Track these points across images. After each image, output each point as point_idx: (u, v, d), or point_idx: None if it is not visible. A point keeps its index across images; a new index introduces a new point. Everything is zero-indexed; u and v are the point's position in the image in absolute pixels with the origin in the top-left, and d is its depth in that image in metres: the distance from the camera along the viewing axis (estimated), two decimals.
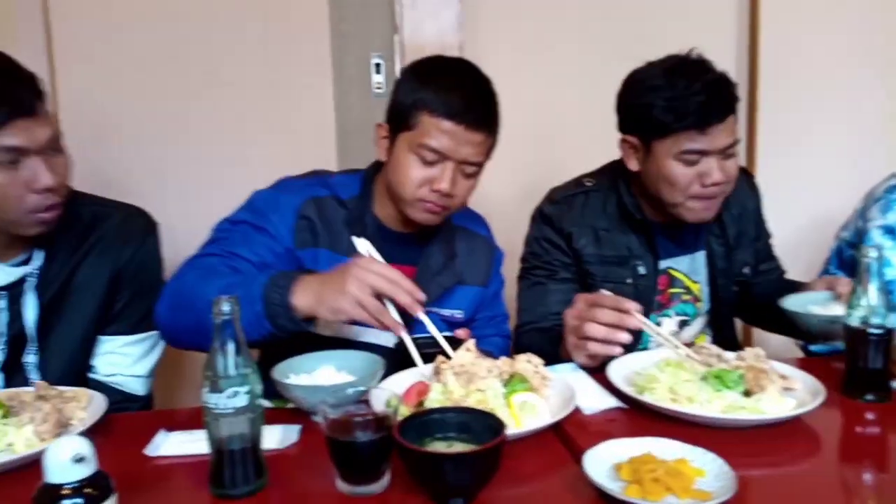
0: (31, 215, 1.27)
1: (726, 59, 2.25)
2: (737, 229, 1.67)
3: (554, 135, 1.93)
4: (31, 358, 1.37)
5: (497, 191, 2.12)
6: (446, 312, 1.48)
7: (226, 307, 0.92)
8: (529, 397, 1.11)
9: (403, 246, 1.45)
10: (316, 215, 1.38)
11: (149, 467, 1.02)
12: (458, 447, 0.93)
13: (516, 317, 1.66)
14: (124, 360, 1.43)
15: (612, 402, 1.19)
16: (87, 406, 1.17)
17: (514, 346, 1.59)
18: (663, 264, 1.61)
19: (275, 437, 1.08)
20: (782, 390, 1.15)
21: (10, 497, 0.95)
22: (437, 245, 1.49)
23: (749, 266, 1.70)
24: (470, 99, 1.34)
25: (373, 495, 0.93)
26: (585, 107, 1.83)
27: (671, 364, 1.20)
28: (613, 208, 1.60)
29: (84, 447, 0.76)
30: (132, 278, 1.42)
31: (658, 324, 1.57)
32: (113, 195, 1.50)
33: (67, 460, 0.75)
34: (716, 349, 1.24)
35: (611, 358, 1.25)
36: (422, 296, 1.21)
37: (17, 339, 1.36)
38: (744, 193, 1.68)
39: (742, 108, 2.25)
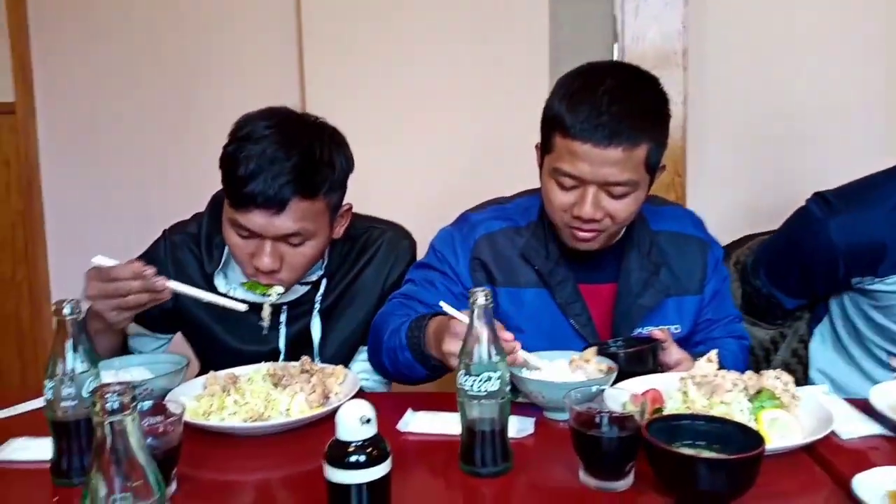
0: (252, 278, 1.38)
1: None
2: None
3: (788, 137, 1.78)
4: None
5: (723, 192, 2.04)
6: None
7: (481, 299, 0.98)
8: (780, 415, 1.05)
9: (597, 266, 1.36)
10: (489, 255, 1.37)
11: (402, 441, 1.12)
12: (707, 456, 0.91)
13: None
14: None
15: (875, 428, 1.09)
16: (343, 382, 1.31)
17: None
18: None
19: (512, 427, 1.12)
20: None
21: (287, 453, 1.10)
22: (635, 260, 1.36)
23: None
24: (601, 113, 1.18)
25: (617, 492, 0.94)
26: (829, 107, 1.66)
27: None
28: None
29: (370, 411, 0.85)
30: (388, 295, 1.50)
31: None
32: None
33: (357, 420, 0.84)
34: None
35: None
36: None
37: (295, 357, 1.46)
38: None
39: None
